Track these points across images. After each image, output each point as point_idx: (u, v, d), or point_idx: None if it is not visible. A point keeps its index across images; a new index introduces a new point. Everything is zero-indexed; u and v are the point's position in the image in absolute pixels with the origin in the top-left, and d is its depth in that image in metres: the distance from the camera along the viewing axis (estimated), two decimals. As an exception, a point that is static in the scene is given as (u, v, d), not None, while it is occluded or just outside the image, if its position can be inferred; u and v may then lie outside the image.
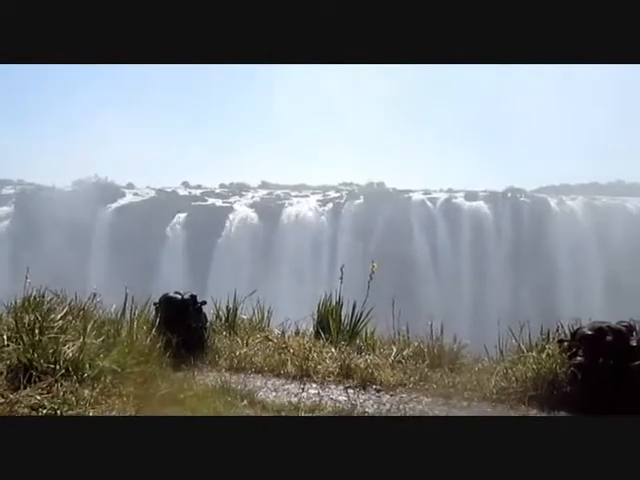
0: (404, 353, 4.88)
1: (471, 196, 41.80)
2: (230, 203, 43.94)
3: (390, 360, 4.68)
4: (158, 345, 4.00)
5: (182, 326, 4.49)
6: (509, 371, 4.11)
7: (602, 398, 3.58)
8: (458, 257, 38.00)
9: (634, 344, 3.69)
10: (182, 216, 41.38)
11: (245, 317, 5.91)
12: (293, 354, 4.64)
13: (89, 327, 3.65)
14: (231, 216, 41.59)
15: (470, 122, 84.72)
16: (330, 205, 42.91)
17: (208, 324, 5.05)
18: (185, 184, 51.62)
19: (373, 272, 5.72)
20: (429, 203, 41.62)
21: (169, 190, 46.59)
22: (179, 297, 4.75)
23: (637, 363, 3.65)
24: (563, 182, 48.64)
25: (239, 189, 49.48)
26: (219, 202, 44.31)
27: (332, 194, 45.76)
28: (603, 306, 30.32)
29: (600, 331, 3.71)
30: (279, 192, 47.49)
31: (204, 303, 4.89)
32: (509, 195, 41.49)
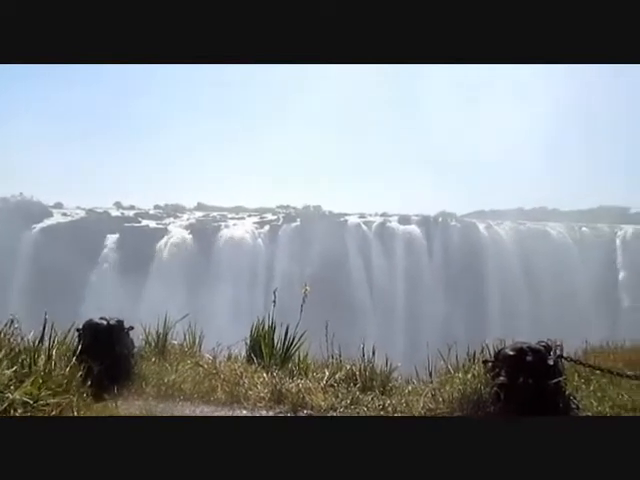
0: (336, 376, 4.89)
1: (404, 220, 42.92)
2: (164, 225, 42.90)
3: (322, 384, 4.67)
4: (79, 374, 3.81)
5: (107, 353, 4.30)
6: (437, 392, 4.20)
7: (524, 415, 3.72)
8: (392, 279, 38.72)
9: (551, 363, 3.87)
10: (114, 238, 39.97)
11: (176, 342, 5.76)
12: (224, 380, 4.55)
13: (0, 356, 3.42)
14: (165, 238, 40.59)
15: (405, 147, 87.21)
16: (267, 227, 42.79)
17: (135, 350, 4.87)
18: (117, 204, 50.04)
19: (306, 295, 5.73)
20: (364, 226, 42.35)
21: (100, 210, 44.97)
22: (104, 323, 4.56)
23: (554, 381, 3.83)
24: (492, 207, 50.95)
25: (174, 210, 48.46)
26: (153, 224, 43.18)
27: (269, 217, 45.71)
28: (527, 326, 31.67)
29: (521, 351, 3.86)
30: (215, 214, 46.91)
31: (131, 329, 4.73)
32: (440, 219, 42.93)
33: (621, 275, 39.50)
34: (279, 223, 43.32)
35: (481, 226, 41.45)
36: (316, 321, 5.57)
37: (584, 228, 42.20)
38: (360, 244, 40.84)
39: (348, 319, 30.76)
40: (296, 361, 5.30)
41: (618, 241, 40.82)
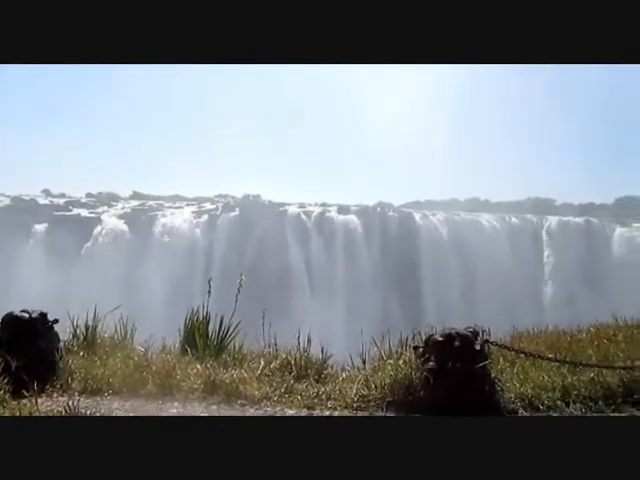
0: (271, 366, 4.89)
1: (343, 210, 43.33)
2: (98, 214, 41.31)
3: (257, 374, 4.66)
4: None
5: (28, 348, 4.10)
6: (369, 379, 4.28)
7: (452, 399, 3.86)
8: (331, 269, 39.09)
9: (478, 348, 4.02)
10: (41, 227, 38.11)
11: (106, 335, 5.58)
12: (155, 372, 4.44)
13: None
14: (99, 228, 39.11)
15: (344, 137, 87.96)
16: (205, 217, 42.07)
17: (61, 344, 4.67)
18: (46, 192, 47.66)
19: (241, 285, 5.68)
20: (304, 216, 42.43)
21: (27, 198, 42.70)
22: (26, 316, 4.34)
23: (480, 365, 3.99)
24: (427, 198, 52.33)
25: (108, 199, 46.73)
26: (85, 212, 41.49)
27: (208, 206, 44.92)
28: (461, 312, 32.83)
29: (449, 337, 3.99)
30: (151, 203, 45.63)
31: (55, 322, 4.52)
32: (378, 209, 43.63)
33: (546, 264, 41.61)
34: (218, 212, 42.69)
35: (417, 216, 42.45)
36: (254, 311, 5.54)
37: (514, 219, 44.06)
38: (300, 234, 40.92)
39: (287, 308, 30.86)
40: (231, 351, 5.25)
41: (544, 231, 42.95)
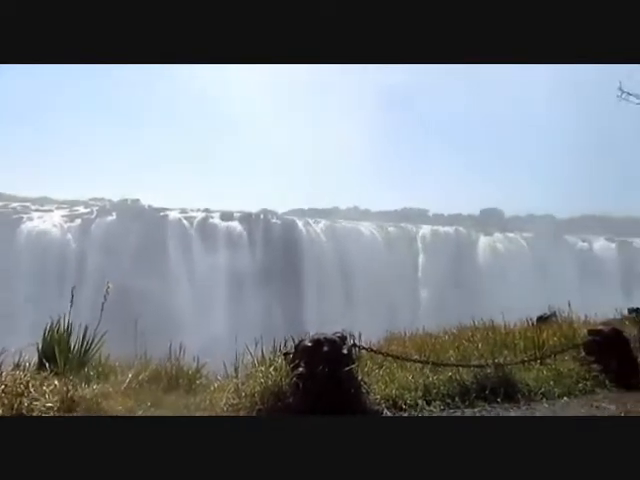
0: (140, 378, 4.68)
1: (226, 216, 42.80)
2: (-52, 216, 37.05)
3: (122, 387, 4.43)
4: None
5: None
6: (240, 387, 4.24)
7: (322, 402, 3.94)
8: (213, 275, 38.37)
9: (345, 352, 4.16)
10: None
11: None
12: (3, 391, 4.04)
13: None
14: (-49, 231, 35.06)
15: (228, 144, 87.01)
16: (78, 221, 39.36)
17: None
18: None
19: (108, 292, 5.38)
20: (185, 222, 41.27)
21: None
22: None
23: (347, 368, 4.12)
24: (310, 206, 53.38)
25: (-38, 200, 42.07)
26: None
27: (81, 209, 42.06)
28: (341, 317, 33.76)
29: (317, 342, 4.09)
30: (16, 205, 41.77)
31: None
32: (262, 216, 43.66)
33: (420, 269, 44.22)
34: (92, 217, 40.14)
35: (300, 223, 43.09)
36: (128, 320, 5.28)
37: (390, 227, 46.30)
38: (181, 240, 39.73)
39: (165, 316, 29.78)
40: (95, 364, 4.95)
41: (418, 239, 45.65)
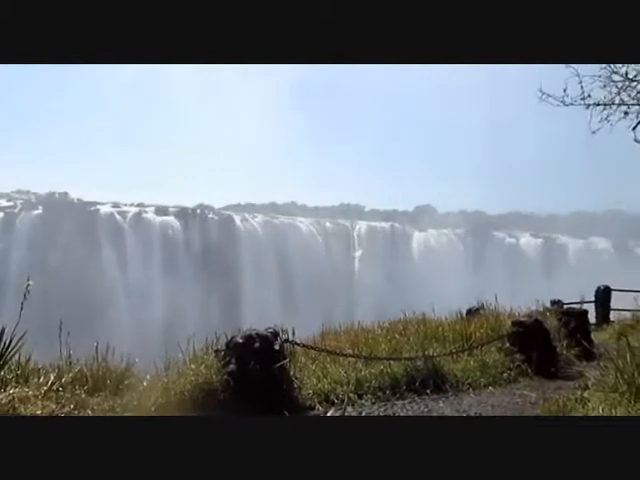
0: (63, 380, 4.46)
1: (161, 211, 41.73)
2: None
3: (43, 390, 4.21)
4: None
5: None
6: (170, 386, 4.13)
7: (253, 399, 3.91)
8: (148, 272, 37.33)
9: (277, 348, 4.14)
10: None
11: None
12: None
13: None
14: None
15: (164, 137, 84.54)
16: (1, 215, 37.26)
17: None
18: None
19: (28, 291, 5.08)
20: (118, 217, 39.90)
21: None
22: None
23: (279, 364, 4.11)
24: (248, 201, 52.86)
25: None
26: None
27: (3, 203, 39.79)
28: (279, 312, 33.70)
29: (249, 338, 4.05)
30: None
31: None
32: (198, 211, 42.89)
33: (357, 264, 44.88)
34: (16, 210, 38.08)
35: (237, 219, 42.65)
36: (53, 319, 5.02)
37: (328, 223, 46.68)
38: (113, 235, 38.36)
39: (95, 315, 28.73)
40: (12, 367, 4.67)
41: (355, 234, 46.29)
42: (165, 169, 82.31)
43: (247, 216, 43.67)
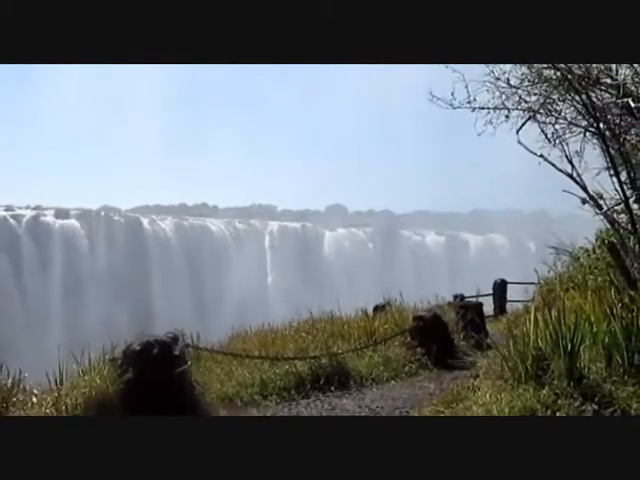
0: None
1: (62, 214, 39.35)
2: None
3: None
4: None
5: None
6: (62, 400, 3.91)
7: (152, 407, 3.78)
8: (46, 279, 35.07)
9: (177, 353, 4.04)
10: None
11: None
12: None
13: None
14: None
15: (60, 135, 79.51)
16: None
17: None
18: None
19: None
20: (12, 221, 37.13)
21: None
22: None
23: (180, 369, 4.01)
24: (156, 203, 51.09)
25: None
26: None
27: None
28: (189, 317, 32.85)
29: (147, 345, 3.92)
30: None
31: None
32: (103, 214, 40.91)
33: (269, 265, 44.80)
34: None
35: (145, 221, 41.13)
36: None
37: (239, 224, 46.20)
38: (7, 241, 35.61)
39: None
40: None
41: (267, 235, 46.19)
42: (64, 169, 77.67)
43: (155, 217, 42.23)
